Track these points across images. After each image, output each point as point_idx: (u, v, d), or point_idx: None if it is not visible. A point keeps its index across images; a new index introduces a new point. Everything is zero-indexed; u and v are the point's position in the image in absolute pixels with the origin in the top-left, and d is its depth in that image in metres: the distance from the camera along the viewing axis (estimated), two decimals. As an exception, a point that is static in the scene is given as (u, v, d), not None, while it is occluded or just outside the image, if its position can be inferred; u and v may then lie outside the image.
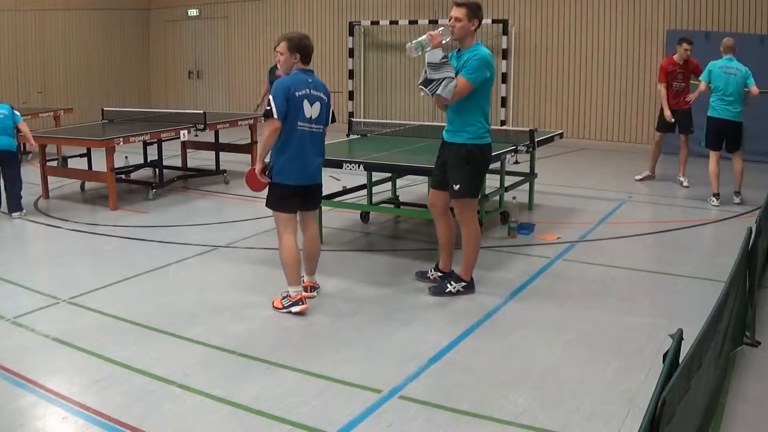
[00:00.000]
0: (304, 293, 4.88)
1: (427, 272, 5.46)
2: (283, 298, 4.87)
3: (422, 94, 4.88)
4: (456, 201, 5.13)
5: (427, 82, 4.79)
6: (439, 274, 5.38)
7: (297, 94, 4.72)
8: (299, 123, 4.75)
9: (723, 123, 8.05)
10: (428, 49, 4.77)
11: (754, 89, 8.00)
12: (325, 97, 4.90)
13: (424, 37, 4.79)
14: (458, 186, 5.00)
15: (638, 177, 9.34)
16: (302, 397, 3.65)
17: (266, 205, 4.96)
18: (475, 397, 3.65)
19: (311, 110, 4.79)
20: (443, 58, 4.74)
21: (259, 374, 3.94)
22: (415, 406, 3.57)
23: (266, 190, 4.95)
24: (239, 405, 3.57)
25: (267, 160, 4.91)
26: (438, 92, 4.74)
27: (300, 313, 4.76)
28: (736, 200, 8.15)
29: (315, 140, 4.88)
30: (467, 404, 3.58)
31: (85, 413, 3.48)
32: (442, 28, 4.87)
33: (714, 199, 8.11)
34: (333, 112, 5.05)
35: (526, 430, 3.34)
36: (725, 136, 8.12)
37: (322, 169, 5.08)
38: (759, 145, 10.86)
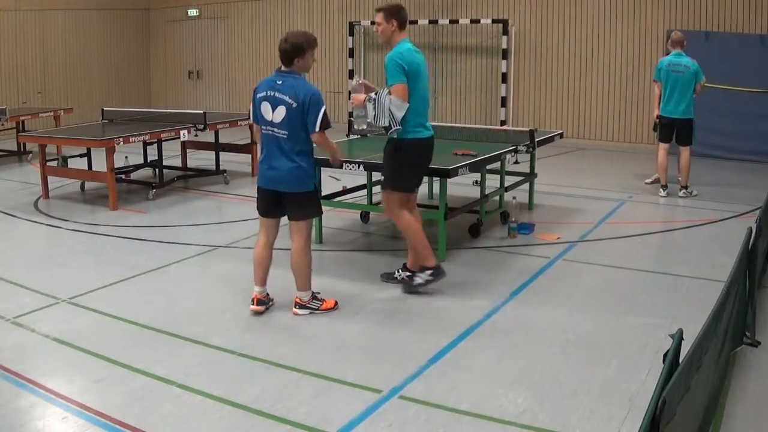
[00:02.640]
0: (258, 295, 4.88)
1: (394, 273, 5.46)
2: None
3: (393, 130, 4.95)
4: (382, 192, 5.29)
5: (385, 128, 4.93)
6: (408, 273, 5.37)
7: (258, 95, 4.70)
8: (262, 126, 4.72)
9: (673, 121, 8.39)
10: (362, 113, 4.93)
11: (698, 87, 8.28)
12: (294, 102, 4.49)
13: (353, 108, 5.04)
14: (383, 178, 5.23)
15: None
16: (302, 397, 3.66)
17: None
18: (475, 397, 3.65)
19: (272, 114, 4.59)
20: (371, 103, 4.85)
21: (259, 374, 3.94)
22: (415, 406, 3.57)
23: None
24: (239, 405, 3.57)
25: None
26: (396, 116, 4.83)
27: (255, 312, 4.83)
28: (681, 194, 8.43)
29: (280, 145, 4.60)
30: (467, 404, 3.58)
31: (85, 413, 3.48)
32: (354, 82, 5.05)
33: (661, 190, 8.55)
34: (323, 118, 4.51)
35: (526, 430, 3.34)
36: (676, 132, 8.45)
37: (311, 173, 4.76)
38: (759, 145, 10.88)
